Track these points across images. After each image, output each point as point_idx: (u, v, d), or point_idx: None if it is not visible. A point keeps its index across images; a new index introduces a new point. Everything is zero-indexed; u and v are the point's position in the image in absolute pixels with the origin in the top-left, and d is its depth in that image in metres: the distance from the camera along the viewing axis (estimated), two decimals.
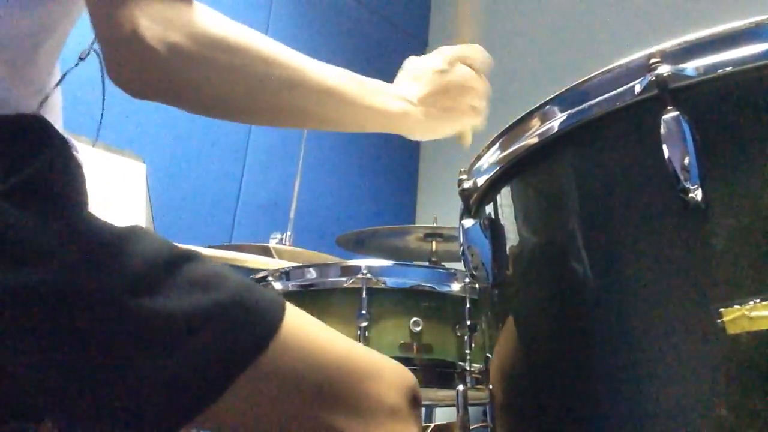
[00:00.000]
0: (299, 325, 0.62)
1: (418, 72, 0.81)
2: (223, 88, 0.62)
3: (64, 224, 0.56)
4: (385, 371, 0.65)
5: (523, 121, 0.63)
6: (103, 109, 0.81)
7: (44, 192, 0.57)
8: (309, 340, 0.62)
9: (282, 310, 0.61)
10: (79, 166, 0.65)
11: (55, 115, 0.68)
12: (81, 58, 0.72)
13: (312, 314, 1.24)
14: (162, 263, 0.58)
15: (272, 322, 0.60)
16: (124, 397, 0.56)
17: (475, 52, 0.84)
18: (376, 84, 0.76)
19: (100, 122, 0.83)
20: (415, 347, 1.16)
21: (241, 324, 0.58)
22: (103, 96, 0.76)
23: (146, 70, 0.57)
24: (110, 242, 0.57)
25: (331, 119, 0.74)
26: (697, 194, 0.48)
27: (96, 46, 0.67)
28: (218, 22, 0.61)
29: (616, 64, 0.55)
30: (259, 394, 0.58)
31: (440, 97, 0.79)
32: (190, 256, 0.61)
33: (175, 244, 0.62)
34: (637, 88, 0.52)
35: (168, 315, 0.55)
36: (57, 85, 0.68)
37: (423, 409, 2.00)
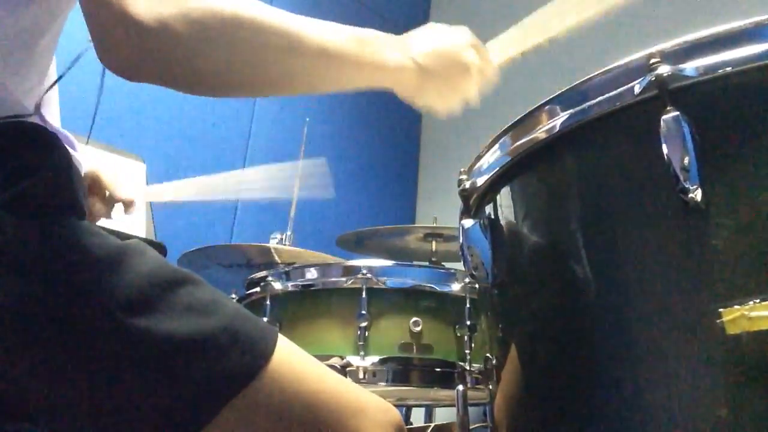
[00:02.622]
0: (290, 357, 0.63)
1: (435, 32, 0.80)
2: (219, 63, 0.60)
3: (63, 236, 0.56)
4: (370, 409, 0.65)
5: (523, 122, 0.63)
6: (98, 105, 0.80)
7: (44, 203, 0.57)
8: (298, 373, 0.62)
9: (274, 341, 0.61)
10: (79, 174, 0.64)
11: (53, 109, 0.67)
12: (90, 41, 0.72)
13: (312, 314, 1.25)
14: (160, 284, 0.58)
15: (264, 352, 0.60)
16: (111, 413, 0.56)
17: (491, 58, 0.83)
18: (374, 36, 0.73)
19: (94, 118, 0.83)
20: (415, 347, 1.16)
21: (233, 352, 0.58)
22: (100, 91, 0.75)
23: (139, 49, 0.55)
24: (109, 258, 0.57)
25: (329, 79, 0.72)
26: (697, 194, 0.48)
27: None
28: None
29: (616, 64, 0.55)
30: (246, 423, 0.59)
31: (443, 63, 0.77)
32: (187, 279, 0.61)
33: (172, 265, 0.62)
34: (637, 89, 0.52)
35: (161, 337, 0.55)
36: (63, 75, 0.68)
37: (423, 410, 2.01)
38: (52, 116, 0.67)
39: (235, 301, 1.26)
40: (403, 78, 0.75)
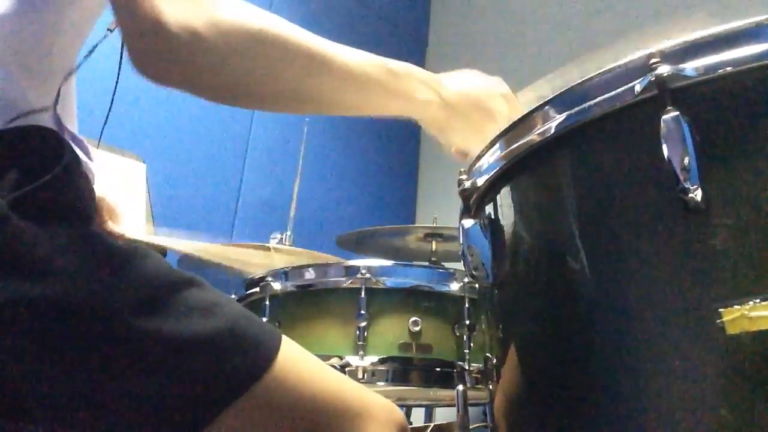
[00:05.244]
0: (294, 358, 0.63)
1: (469, 76, 0.81)
2: (245, 74, 0.62)
3: (70, 238, 0.56)
4: (375, 409, 0.66)
5: (523, 121, 0.63)
6: (109, 112, 0.81)
7: (52, 206, 0.57)
8: (302, 375, 0.63)
9: (278, 343, 0.62)
10: (88, 181, 0.65)
11: (69, 110, 0.68)
12: (110, 30, 0.72)
13: (311, 314, 1.25)
14: (164, 285, 0.59)
15: (268, 353, 0.60)
16: (115, 413, 0.56)
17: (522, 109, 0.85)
18: (404, 68, 0.74)
19: (105, 124, 0.84)
20: (414, 347, 1.16)
21: (236, 353, 0.59)
22: (113, 98, 0.76)
23: (168, 55, 0.57)
24: (116, 260, 0.58)
25: (354, 104, 0.73)
26: (697, 194, 0.48)
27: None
28: (239, 8, 0.61)
29: (616, 64, 0.55)
30: (250, 424, 0.59)
31: (470, 105, 0.78)
32: (192, 281, 0.61)
33: (178, 269, 0.62)
34: (637, 88, 0.52)
35: (165, 337, 0.56)
36: (81, 63, 0.68)
37: (423, 410, 2.01)
38: (70, 120, 0.68)
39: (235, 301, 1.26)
40: (429, 112, 0.77)
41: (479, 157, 0.70)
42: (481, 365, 1.17)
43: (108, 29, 0.72)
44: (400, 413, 0.68)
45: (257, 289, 1.27)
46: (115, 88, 0.74)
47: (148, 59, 0.58)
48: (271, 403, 0.59)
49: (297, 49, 0.64)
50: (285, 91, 0.66)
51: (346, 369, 1.11)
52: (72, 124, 0.68)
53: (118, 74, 0.66)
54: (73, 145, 0.63)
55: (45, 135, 0.61)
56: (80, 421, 0.57)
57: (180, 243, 1.25)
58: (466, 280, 1.20)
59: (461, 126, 0.79)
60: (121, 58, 0.64)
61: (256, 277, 1.30)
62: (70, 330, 0.53)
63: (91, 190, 0.65)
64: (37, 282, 0.52)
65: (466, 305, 1.19)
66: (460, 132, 0.79)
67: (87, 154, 0.67)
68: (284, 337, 0.63)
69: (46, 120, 0.62)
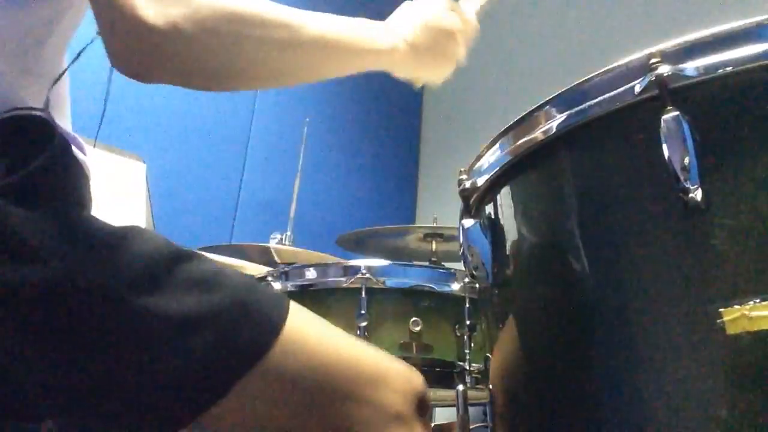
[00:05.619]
0: (303, 324, 0.61)
1: (414, 7, 0.83)
2: (226, 59, 0.62)
3: (63, 222, 0.55)
4: (391, 375, 0.63)
5: (523, 121, 0.63)
6: (104, 109, 0.81)
7: (44, 190, 0.57)
8: (313, 341, 0.61)
9: (285, 310, 0.60)
10: (80, 167, 0.64)
11: (62, 110, 0.67)
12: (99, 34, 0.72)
13: None
14: (162, 262, 0.57)
15: (275, 322, 0.58)
16: (123, 396, 0.55)
17: (469, 14, 0.87)
18: (365, 23, 0.77)
19: (101, 123, 0.83)
20: (414, 347, 1.16)
21: (243, 325, 0.57)
22: (107, 96, 0.76)
23: (151, 52, 0.57)
24: (110, 240, 0.57)
25: (329, 68, 0.75)
26: (697, 194, 0.48)
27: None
28: None
29: (616, 64, 0.55)
30: (261, 396, 0.57)
31: (430, 36, 0.80)
32: (190, 255, 0.60)
33: (174, 243, 0.61)
34: (637, 88, 0.52)
35: (168, 315, 0.55)
36: (69, 66, 0.68)
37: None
38: (63, 119, 0.67)
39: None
40: (397, 59, 0.78)
41: (479, 157, 0.70)
42: (481, 365, 1.17)
43: (97, 33, 0.72)
44: (419, 380, 0.65)
45: None
46: (108, 88, 0.74)
47: (130, 57, 0.58)
48: (280, 374, 0.58)
49: (274, 25, 0.64)
50: (266, 67, 0.67)
51: None
52: (65, 125, 0.68)
53: (110, 74, 0.65)
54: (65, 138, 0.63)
55: (35, 123, 0.60)
56: (85, 409, 0.56)
57: None
58: (466, 280, 1.20)
59: (429, 58, 0.81)
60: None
61: (257, 276, 1.30)
62: (68, 314, 0.53)
63: (86, 177, 0.65)
64: (32, 268, 0.52)
65: (467, 305, 1.19)
66: (429, 65, 0.82)
67: (81, 149, 0.67)
68: (292, 304, 0.61)
69: (40, 110, 0.62)
